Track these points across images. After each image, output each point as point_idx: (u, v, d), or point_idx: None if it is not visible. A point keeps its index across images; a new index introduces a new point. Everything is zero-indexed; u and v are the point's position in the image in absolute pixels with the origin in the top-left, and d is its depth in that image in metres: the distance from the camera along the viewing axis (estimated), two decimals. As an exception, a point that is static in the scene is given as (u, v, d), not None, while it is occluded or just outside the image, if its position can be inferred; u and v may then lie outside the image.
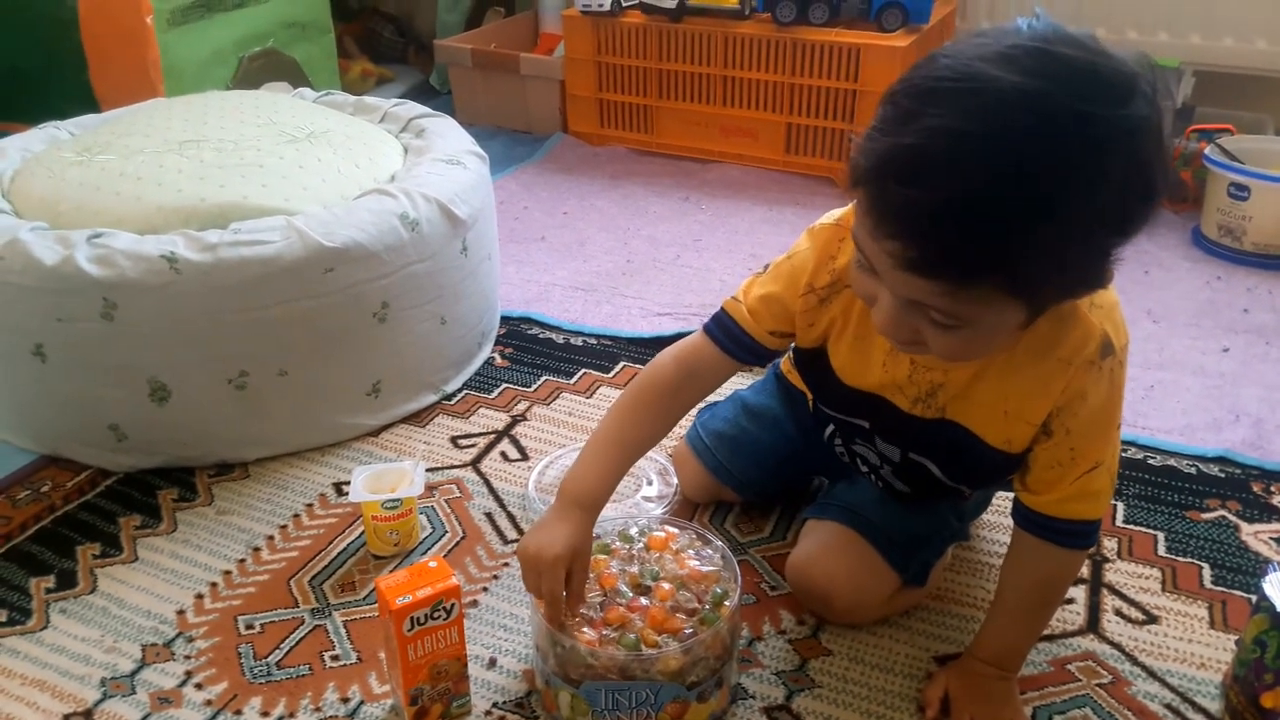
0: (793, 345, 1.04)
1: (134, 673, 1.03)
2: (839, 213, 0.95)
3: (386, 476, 1.17)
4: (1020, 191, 0.67)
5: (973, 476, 1.01)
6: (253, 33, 2.22)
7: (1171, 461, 1.33)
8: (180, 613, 1.11)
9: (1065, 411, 0.88)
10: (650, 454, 1.32)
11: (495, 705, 0.99)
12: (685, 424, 1.28)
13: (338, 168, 1.43)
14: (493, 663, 1.04)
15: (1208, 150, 1.94)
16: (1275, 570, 0.95)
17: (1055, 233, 0.69)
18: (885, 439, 1.01)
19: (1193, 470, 1.31)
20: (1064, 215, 0.68)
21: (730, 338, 1.01)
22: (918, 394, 0.94)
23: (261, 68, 2.23)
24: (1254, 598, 0.97)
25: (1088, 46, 0.70)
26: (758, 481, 1.23)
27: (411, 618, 0.89)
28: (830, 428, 1.09)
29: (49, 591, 1.13)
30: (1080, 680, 1.02)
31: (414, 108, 1.71)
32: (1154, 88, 0.70)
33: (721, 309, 1.03)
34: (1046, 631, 1.06)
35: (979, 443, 0.93)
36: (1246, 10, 2.15)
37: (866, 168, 0.73)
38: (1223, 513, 1.24)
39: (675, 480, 1.28)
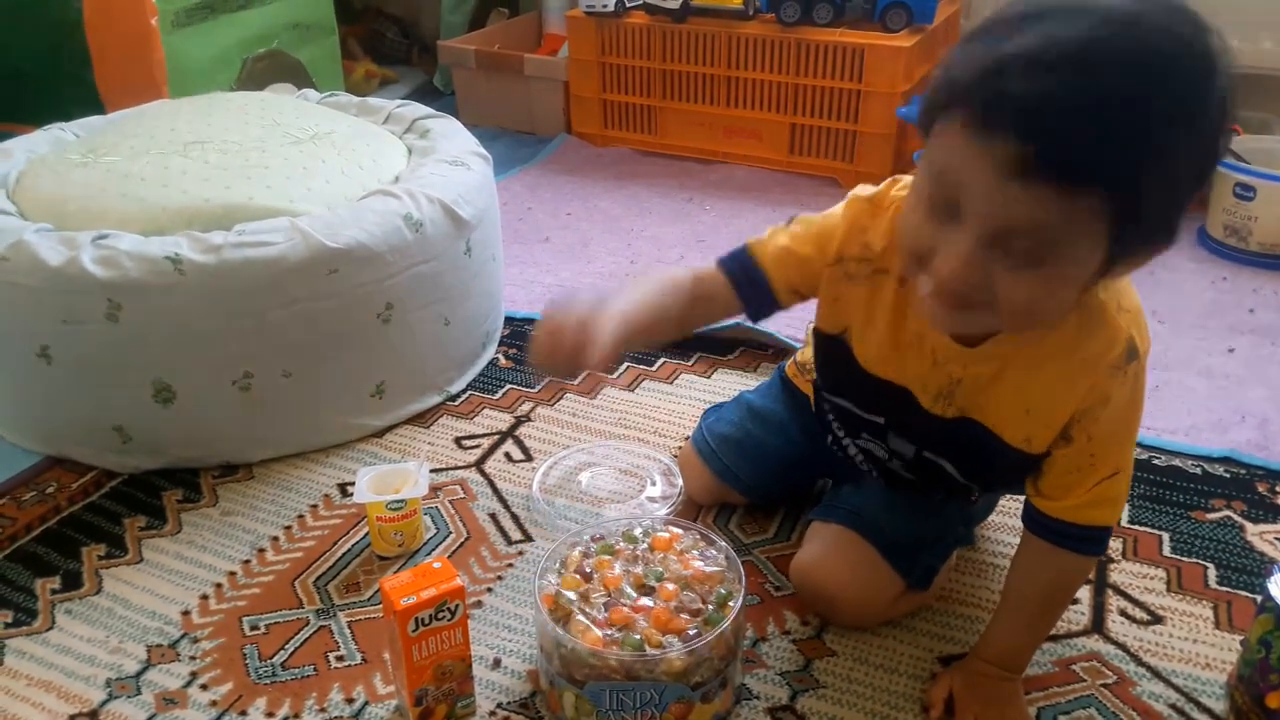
0: (813, 329, 1.02)
1: (139, 673, 1.03)
2: (872, 189, 0.93)
3: (391, 477, 1.17)
4: (1146, 95, 0.67)
5: (988, 475, 1.01)
6: (257, 34, 2.22)
7: (1176, 462, 1.33)
8: (185, 613, 1.11)
9: (1087, 416, 0.87)
10: (655, 455, 1.34)
11: (500, 706, 1.00)
12: (690, 427, 1.28)
13: (342, 169, 1.43)
14: (497, 663, 1.04)
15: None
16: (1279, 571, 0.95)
17: (1167, 149, 0.68)
18: (900, 434, 1.00)
19: (1198, 471, 1.31)
20: (1176, 132, 0.68)
21: (751, 283, 0.97)
22: (939, 389, 0.93)
23: (266, 69, 2.23)
24: (1259, 598, 0.97)
25: None
26: (763, 485, 1.23)
27: (416, 618, 0.89)
28: (835, 427, 1.09)
29: (54, 592, 1.14)
30: (1085, 680, 1.02)
31: (418, 109, 1.71)
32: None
33: (746, 250, 0.98)
34: (1051, 632, 1.06)
35: (997, 440, 0.92)
36: (1252, 10, 2.15)
37: (969, 79, 0.70)
38: (1228, 513, 1.23)
39: (679, 481, 1.28)
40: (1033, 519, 0.95)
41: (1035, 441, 0.91)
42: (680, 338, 0.99)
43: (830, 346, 1.00)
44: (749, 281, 0.97)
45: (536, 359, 0.88)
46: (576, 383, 0.92)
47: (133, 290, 1.19)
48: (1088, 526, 0.92)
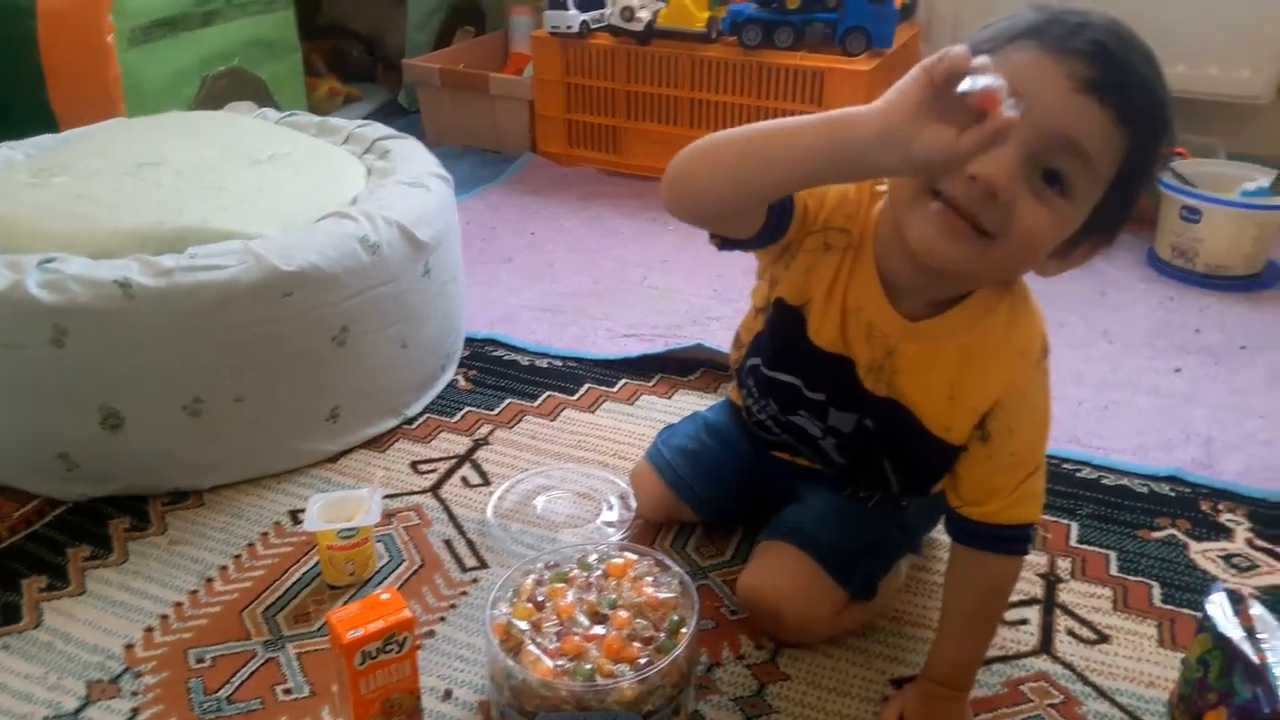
0: (773, 302, 1.02)
1: (78, 710, 1.01)
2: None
3: (343, 504, 1.17)
4: (1165, 89, 0.82)
5: (913, 465, 1.04)
6: (218, 51, 2.21)
7: (1124, 481, 1.35)
8: (129, 647, 1.08)
9: (1007, 410, 0.92)
10: (612, 478, 1.34)
11: (450, 735, 0.99)
12: (649, 443, 1.29)
13: (298, 190, 1.42)
14: (448, 694, 1.03)
15: (1161, 174, 1.98)
16: (1218, 590, 0.97)
17: (1163, 137, 0.83)
18: (840, 409, 1.02)
19: (1145, 489, 1.33)
20: (1168, 132, 0.83)
21: None
22: (872, 362, 0.96)
23: (226, 87, 2.22)
24: (1199, 616, 0.98)
25: None
26: (716, 499, 1.23)
27: (363, 651, 0.89)
28: (769, 406, 1.09)
29: (-7, 626, 1.11)
30: (1033, 701, 1.03)
31: (378, 129, 1.71)
32: None
33: None
34: (1000, 652, 1.07)
35: (920, 426, 0.96)
36: (1198, 37, 2.19)
37: (1040, 20, 0.80)
38: (1172, 531, 1.25)
39: (635, 504, 1.28)
40: (959, 528, 0.98)
41: (955, 431, 0.95)
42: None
43: (786, 319, 1.01)
44: None
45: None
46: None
47: (80, 315, 1.18)
48: (1013, 526, 0.95)
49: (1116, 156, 0.81)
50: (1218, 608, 0.94)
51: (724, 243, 0.95)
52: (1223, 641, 0.92)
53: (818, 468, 1.14)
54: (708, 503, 1.23)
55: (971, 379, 0.93)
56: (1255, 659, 0.89)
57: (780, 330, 1.03)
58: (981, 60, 0.68)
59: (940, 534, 1.22)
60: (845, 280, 0.96)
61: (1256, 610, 0.94)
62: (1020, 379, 0.92)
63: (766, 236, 0.94)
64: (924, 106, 0.68)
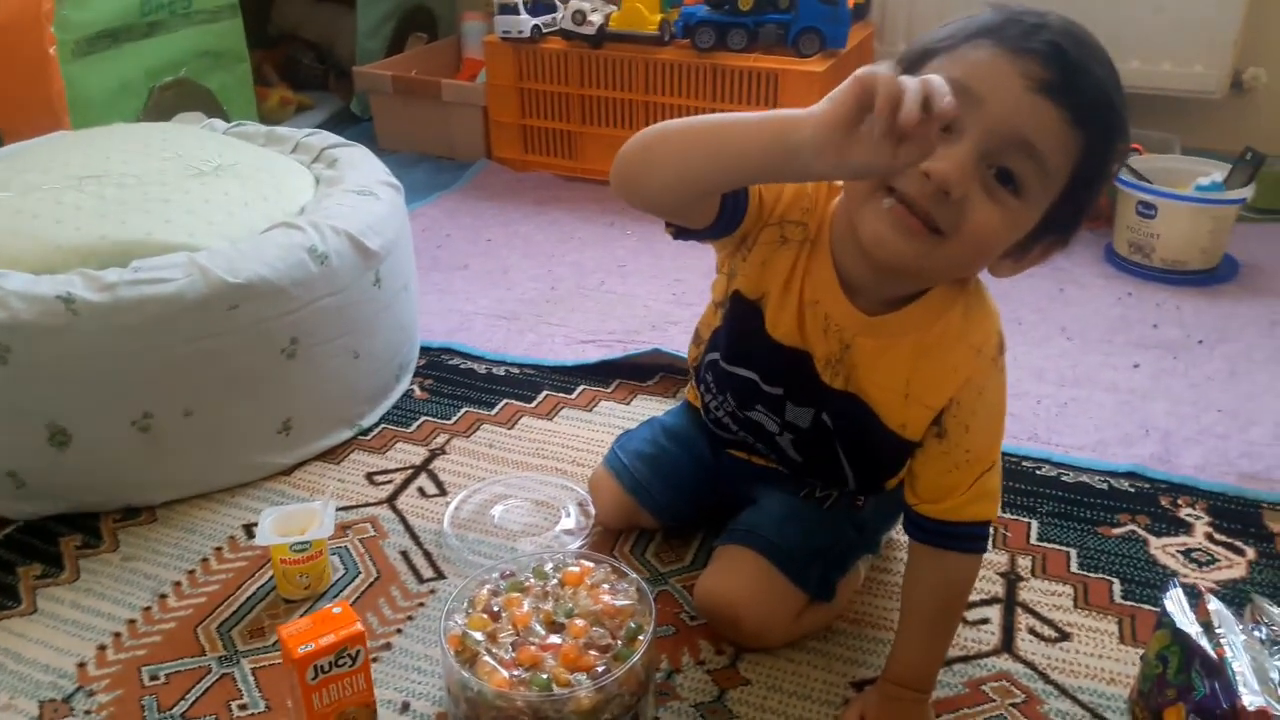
0: (730, 294, 1.01)
1: (30, 732, 0.99)
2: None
3: (296, 518, 1.15)
4: (1117, 88, 0.82)
5: (869, 461, 1.04)
6: (164, 62, 2.17)
7: (1084, 478, 1.35)
8: (81, 665, 1.06)
9: (963, 407, 0.93)
10: (570, 485, 1.33)
11: (407, 751, 0.97)
12: (605, 450, 1.28)
13: (245, 201, 1.40)
14: (405, 707, 1.02)
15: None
16: (1176, 587, 0.97)
17: (1118, 140, 0.84)
18: (797, 404, 1.02)
19: (1104, 486, 1.34)
20: (1123, 131, 0.84)
21: None
22: (829, 355, 0.96)
23: (174, 98, 2.18)
24: (1159, 612, 0.98)
25: None
26: (674, 504, 1.22)
27: (315, 666, 0.87)
28: (726, 402, 1.09)
29: (-60, 649, 1.09)
30: (995, 700, 1.02)
31: (327, 137, 1.69)
32: None
33: None
34: (961, 652, 1.07)
35: (877, 421, 0.97)
36: (1152, 33, 2.22)
37: (999, 19, 0.81)
38: (1132, 527, 1.26)
39: (594, 512, 1.27)
40: (916, 525, 0.99)
41: (910, 427, 0.96)
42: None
43: (744, 312, 1.01)
44: None
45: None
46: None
47: (22, 332, 1.15)
48: (969, 523, 0.96)
49: (1070, 158, 0.81)
50: (1175, 603, 0.95)
51: (679, 231, 0.94)
52: (1181, 637, 0.92)
53: (775, 467, 1.13)
54: (666, 508, 1.22)
55: (926, 376, 0.93)
56: (1213, 654, 0.89)
57: (738, 324, 1.02)
58: (910, 84, 0.67)
59: (899, 534, 1.22)
60: (802, 274, 0.96)
61: (1214, 605, 0.94)
62: (976, 376, 0.93)
63: (721, 228, 0.94)
64: (857, 120, 0.69)
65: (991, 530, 0.99)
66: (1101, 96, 0.80)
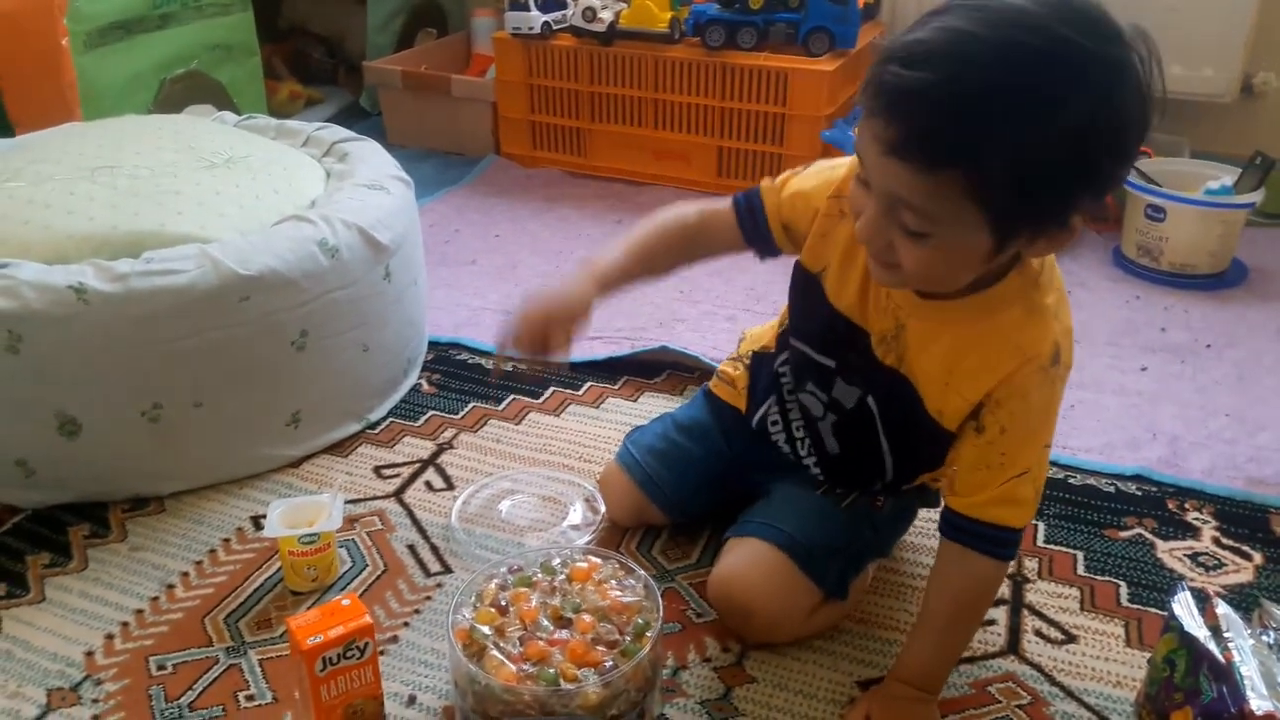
0: (795, 266, 1.05)
1: (38, 718, 0.99)
2: None
3: (304, 510, 1.15)
4: (998, 89, 0.73)
5: (907, 445, 1.04)
6: (175, 55, 2.18)
7: (1091, 480, 1.35)
8: (89, 654, 1.07)
9: (1003, 407, 0.92)
10: (577, 480, 1.33)
11: (414, 744, 0.98)
12: (614, 446, 1.28)
13: (256, 194, 1.40)
14: (412, 700, 1.02)
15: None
16: (1183, 590, 0.97)
17: (1023, 140, 0.74)
18: (847, 380, 1.03)
19: (1111, 489, 1.34)
20: (1034, 126, 0.74)
21: (750, 212, 1.04)
22: (884, 332, 0.97)
23: (185, 90, 2.19)
24: (1166, 615, 0.98)
25: (1096, 3, 0.77)
26: (685, 499, 1.22)
27: (324, 658, 0.88)
28: (768, 401, 1.12)
29: (-51, 636, 1.09)
30: (1001, 702, 1.02)
31: (338, 131, 1.69)
32: (1144, 49, 0.77)
33: (756, 187, 1.05)
34: (967, 654, 1.07)
35: (919, 404, 0.97)
36: (1161, 36, 2.19)
37: (874, 61, 0.79)
38: (1139, 530, 1.26)
39: (602, 508, 1.27)
40: (946, 521, 0.98)
41: (947, 416, 0.95)
42: (681, 269, 1.10)
43: (807, 284, 1.03)
44: (751, 214, 1.05)
45: (515, 346, 0.99)
46: (553, 363, 1.00)
47: (34, 321, 1.16)
48: (996, 526, 0.95)
49: (956, 193, 0.76)
50: (1183, 607, 0.95)
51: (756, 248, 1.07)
52: (1188, 640, 0.92)
53: (804, 460, 1.14)
54: (676, 503, 1.22)
55: (967, 367, 0.92)
56: (1221, 658, 0.89)
57: (803, 295, 1.05)
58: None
59: (909, 537, 1.22)
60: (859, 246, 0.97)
61: (1222, 609, 0.94)
62: (1019, 379, 0.90)
63: (756, 241, 1.06)
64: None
65: (1018, 541, 0.97)
66: (965, 122, 0.74)
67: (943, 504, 0.99)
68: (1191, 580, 1.18)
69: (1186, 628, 0.93)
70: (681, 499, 1.22)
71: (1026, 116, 0.73)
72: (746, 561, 1.08)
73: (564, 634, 0.94)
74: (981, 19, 0.74)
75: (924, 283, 0.90)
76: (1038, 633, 1.11)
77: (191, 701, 1.01)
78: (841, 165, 1.00)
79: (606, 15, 2.26)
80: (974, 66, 0.73)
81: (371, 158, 1.58)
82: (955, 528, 0.97)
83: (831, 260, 1.00)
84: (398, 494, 1.32)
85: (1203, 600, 0.96)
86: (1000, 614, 1.13)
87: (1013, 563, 1.20)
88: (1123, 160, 0.80)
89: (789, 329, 1.10)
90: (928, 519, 1.22)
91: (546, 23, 2.34)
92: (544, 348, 1.00)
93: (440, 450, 1.41)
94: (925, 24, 0.77)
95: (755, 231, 1.04)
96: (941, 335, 0.94)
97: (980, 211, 0.77)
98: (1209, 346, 1.70)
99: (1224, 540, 1.24)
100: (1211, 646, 0.90)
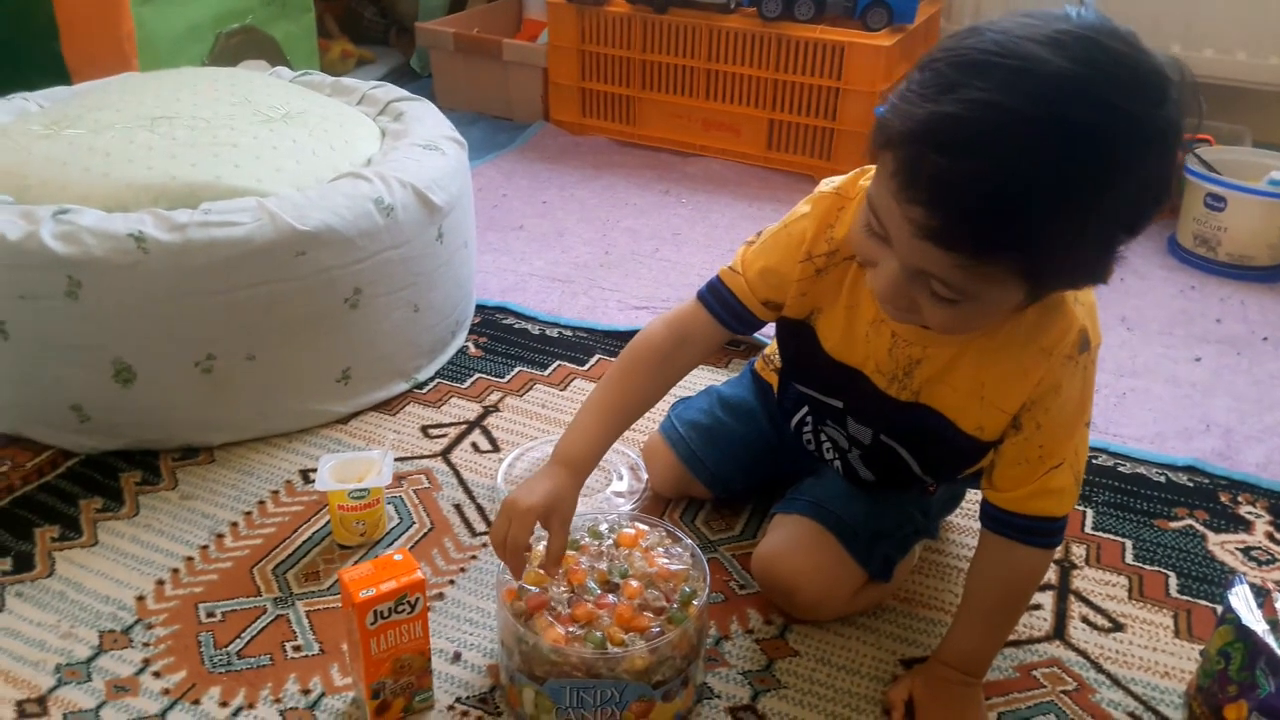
0: (779, 319, 1.03)
1: (90, 659, 1.01)
2: (838, 181, 0.95)
3: (354, 465, 1.16)
4: (1055, 176, 0.69)
5: (942, 464, 1.02)
6: (231, 9, 2.18)
7: (1141, 469, 1.34)
8: (140, 599, 1.09)
9: (1038, 405, 0.90)
10: (622, 448, 1.33)
11: (459, 700, 0.98)
12: (659, 416, 1.27)
13: (312, 149, 1.41)
14: (457, 657, 1.03)
15: (1186, 160, 1.95)
16: (1241, 583, 0.96)
17: (1079, 221, 0.71)
18: (858, 420, 1.01)
19: (1162, 479, 1.32)
20: (1090, 205, 0.70)
21: (724, 306, 1.02)
22: (895, 371, 0.95)
23: (239, 45, 2.19)
24: (1219, 609, 0.97)
25: (1132, 43, 0.71)
26: (727, 475, 1.22)
27: (375, 611, 0.88)
28: (800, 413, 1.09)
29: (5, 575, 1.11)
30: (1045, 687, 1.02)
31: (392, 90, 1.69)
32: (1182, 94, 0.72)
33: (717, 278, 1.03)
34: (1013, 637, 1.06)
35: (951, 427, 0.94)
36: (1226, 23, 2.17)
37: (901, 131, 0.73)
38: (1190, 522, 1.24)
39: (645, 476, 1.27)
40: (987, 514, 0.97)
41: (988, 429, 0.93)
42: (661, 398, 1.07)
43: (795, 332, 1.01)
44: (726, 308, 1.02)
45: (498, 553, 0.96)
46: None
47: (94, 268, 1.17)
48: (1036, 518, 0.93)
49: (999, 272, 0.74)
50: (1241, 600, 0.93)
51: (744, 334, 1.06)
52: (1246, 634, 0.91)
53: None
54: (719, 479, 1.22)
55: (998, 378, 0.90)
56: (1279, 652, 0.88)
57: (793, 343, 1.03)
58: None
59: (955, 517, 1.22)
60: (848, 288, 0.95)
61: (1280, 603, 0.92)
62: (1048, 376, 0.88)
63: (748, 331, 1.04)
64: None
65: (1063, 528, 0.95)
66: (1018, 210, 0.69)
67: (982, 497, 0.98)
68: (1244, 574, 1.16)
69: (1244, 621, 0.91)
70: (724, 476, 1.22)
71: (1081, 205, 0.70)
72: (792, 540, 1.07)
73: (611, 598, 0.94)
74: (1023, 91, 0.68)
75: (948, 333, 0.88)
76: (1084, 619, 1.10)
77: (240, 649, 1.03)
78: (800, 221, 0.96)
79: (662, -18, 2.24)
80: (1022, 153, 0.68)
81: (426, 118, 1.57)
82: (997, 521, 0.95)
83: (821, 306, 0.98)
84: (444, 454, 1.33)
85: (1262, 595, 0.94)
86: (1046, 599, 1.12)
87: (1060, 547, 1.19)
88: (1164, 203, 0.76)
89: (787, 373, 1.08)
90: (975, 497, 1.21)
91: (601, -12, 2.32)
92: (520, 544, 0.94)
93: (486, 413, 1.42)
94: (957, 90, 0.69)
95: (736, 319, 1.02)
96: (963, 356, 0.91)
97: (1023, 281, 0.76)
98: (1265, 339, 1.67)
99: (1278, 535, 1.22)
100: (1270, 641, 0.89)
